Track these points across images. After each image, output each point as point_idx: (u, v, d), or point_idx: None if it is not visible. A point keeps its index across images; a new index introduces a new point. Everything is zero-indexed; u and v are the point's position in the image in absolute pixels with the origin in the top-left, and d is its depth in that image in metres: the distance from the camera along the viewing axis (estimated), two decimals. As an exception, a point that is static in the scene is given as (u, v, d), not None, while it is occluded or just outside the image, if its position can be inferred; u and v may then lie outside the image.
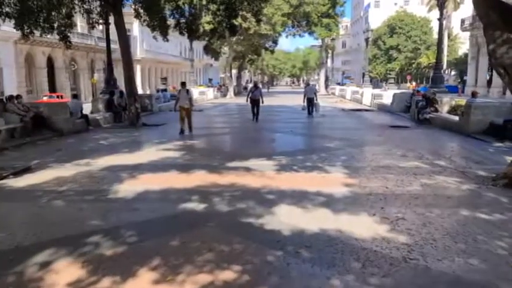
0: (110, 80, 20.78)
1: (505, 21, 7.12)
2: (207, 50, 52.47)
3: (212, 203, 6.06)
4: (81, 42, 45.49)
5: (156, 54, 64.14)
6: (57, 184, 7.17)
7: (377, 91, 29.29)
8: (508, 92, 38.31)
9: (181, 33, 18.94)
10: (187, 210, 5.74)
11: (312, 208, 5.81)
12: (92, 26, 18.96)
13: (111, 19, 17.58)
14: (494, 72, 41.90)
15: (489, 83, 43.93)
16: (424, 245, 4.52)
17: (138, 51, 59.06)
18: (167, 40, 18.90)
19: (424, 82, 73.05)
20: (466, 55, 59.41)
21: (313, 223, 5.15)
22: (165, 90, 29.83)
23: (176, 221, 5.35)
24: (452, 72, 67.15)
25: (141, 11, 17.70)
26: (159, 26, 17.93)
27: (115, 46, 52.39)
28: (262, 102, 18.44)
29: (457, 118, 14.32)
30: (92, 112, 19.16)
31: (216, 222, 5.27)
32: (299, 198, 6.25)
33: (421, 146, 11.26)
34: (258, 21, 23.76)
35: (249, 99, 18.57)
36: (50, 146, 11.51)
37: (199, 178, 7.49)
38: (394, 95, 22.46)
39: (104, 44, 50.14)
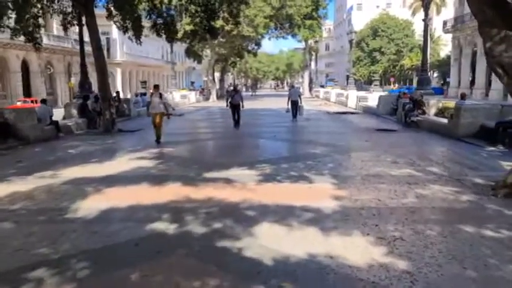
0: (85, 84, 19.84)
1: (502, 18, 6.56)
2: (189, 52, 51.62)
3: (184, 222, 5.31)
4: (58, 45, 44.24)
5: (137, 58, 62.91)
6: (9, 201, 6.33)
7: (362, 93, 28.86)
8: (491, 93, 38.53)
9: (158, 34, 18.13)
10: (155, 233, 4.97)
11: (297, 227, 5.11)
12: (65, 27, 18.01)
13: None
14: (477, 74, 42.14)
15: (472, 84, 44.09)
16: (428, 273, 3.86)
17: (118, 54, 57.89)
18: (140, 43, 17.99)
19: (408, 84, 73.60)
20: (448, 57, 59.79)
21: (300, 246, 4.45)
22: (145, 94, 28.85)
23: (140, 247, 4.57)
24: (435, 74, 67.56)
25: (114, 10, 16.83)
26: (133, 27, 17.07)
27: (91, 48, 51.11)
28: (243, 106, 17.08)
29: (445, 121, 13.83)
30: (64, 118, 18.21)
31: (187, 249, 4.52)
32: (283, 214, 5.55)
33: (411, 151, 10.69)
34: (237, 23, 22.94)
35: (228, 104, 17.31)
36: (12, 156, 10.59)
37: (172, 192, 6.73)
38: (380, 98, 22.00)
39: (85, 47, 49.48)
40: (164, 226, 5.17)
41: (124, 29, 17.34)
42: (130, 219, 5.49)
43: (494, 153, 10.07)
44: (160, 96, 12.74)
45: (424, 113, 16.31)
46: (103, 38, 57.27)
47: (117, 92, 21.40)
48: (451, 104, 18.08)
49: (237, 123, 16.63)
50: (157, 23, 17.67)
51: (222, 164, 9.00)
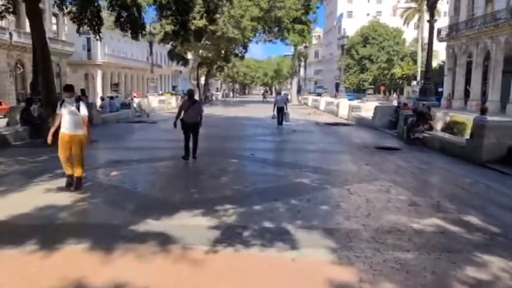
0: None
1: None
2: (172, 55, 48.91)
3: None
4: (29, 43, 40.98)
5: (120, 59, 60.07)
6: None
7: (355, 103, 26.43)
8: (488, 105, 36.44)
9: (123, 29, 15.39)
10: None
11: None
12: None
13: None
14: (472, 84, 40.15)
15: (466, 95, 42.16)
16: None
17: (99, 55, 55.00)
18: (100, 38, 15.24)
19: (398, 93, 71.78)
20: (440, 67, 58.02)
21: None
22: (113, 98, 26.01)
23: None
24: (426, 84, 65.80)
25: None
26: (90, 20, 14.33)
27: (69, 48, 48.01)
28: (200, 125, 10.28)
29: (462, 140, 11.34)
30: (8, 124, 15.37)
31: None
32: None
33: (428, 183, 8.17)
34: (212, 20, 20.31)
35: (179, 122, 10.13)
36: None
37: (62, 265, 4.05)
38: (376, 108, 19.52)
39: (56, 46, 46.34)
40: None
41: (78, 22, 14.58)
42: None
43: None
44: (79, 106, 6.91)
45: (431, 128, 13.85)
46: (83, 38, 55.02)
47: (83, 90, 18.45)
48: (461, 117, 15.75)
49: (192, 153, 10.07)
50: (122, 16, 14.94)
51: (169, 203, 6.32)
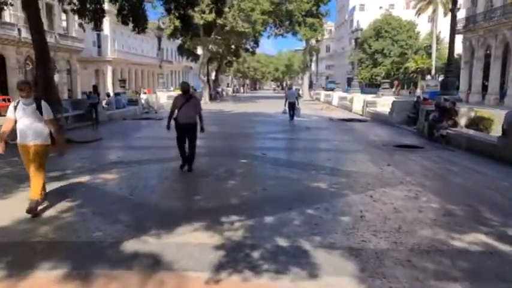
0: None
1: None
2: (181, 50, 48.22)
3: None
4: (39, 40, 40.57)
5: (130, 55, 59.75)
6: None
7: (370, 98, 25.39)
8: (507, 99, 35.14)
9: (124, 22, 14.64)
10: None
11: None
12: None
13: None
14: (490, 78, 38.74)
15: (484, 89, 40.78)
16: None
17: (109, 52, 54.66)
18: (100, 30, 14.55)
19: (411, 87, 70.18)
20: (456, 60, 56.47)
21: None
22: (119, 94, 25.27)
23: None
24: (440, 78, 64.19)
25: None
26: (92, 12, 13.60)
27: (79, 44, 47.51)
28: (202, 130, 8.48)
29: (493, 138, 10.36)
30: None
31: None
32: None
33: (462, 188, 7.22)
34: (219, 12, 19.48)
35: (173, 123, 8.45)
36: None
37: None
38: (394, 103, 18.53)
39: (66, 42, 45.98)
40: None
41: (80, 14, 13.86)
42: None
43: None
44: (39, 101, 5.50)
45: (455, 124, 12.86)
46: (93, 35, 54.73)
47: (95, 87, 17.74)
48: (487, 113, 14.71)
49: (187, 163, 8.32)
50: (124, 8, 14.19)
51: (168, 213, 5.53)
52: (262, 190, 6.78)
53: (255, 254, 4.21)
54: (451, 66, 16.14)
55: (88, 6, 13.56)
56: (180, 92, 8.68)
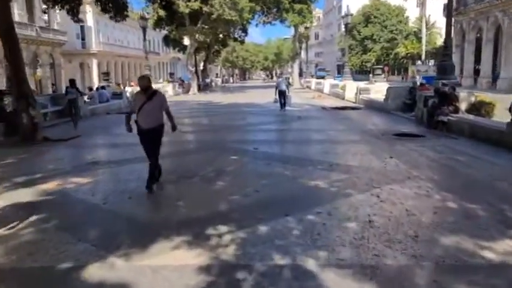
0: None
1: None
2: (167, 41, 46.98)
3: None
4: (19, 33, 38.97)
5: (116, 47, 58.28)
6: None
7: (363, 85, 24.65)
8: (499, 82, 34.64)
9: (104, 10, 13.65)
10: None
11: None
12: None
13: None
14: (482, 61, 38.22)
15: (475, 72, 40.33)
16: None
17: (94, 44, 53.16)
18: (78, 20, 13.52)
19: (402, 73, 69.67)
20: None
21: None
22: (103, 87, 24.21)
23: None
24: (430, 63, 63.67)
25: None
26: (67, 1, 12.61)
27: (62, 37, 46.06)
28: (174, 129, 6.66)
29: (501, 125, 9.66)
30: (-18, 121, 13.78)
31: None
32: None
33: (476, 182, 6.51)
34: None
35: (133, 126, 6.55)
36: None
37: None
38: (389, 90, 17.80)
39: (48, 35, 44.42)
40: None
41: (52, 2, 12.86)
42: None
43: None
44: None
45: (456, 110, 12.17)
46: (77, 27, 53.19)
47: (72, 81, 16.31)
48: (488, 97, 14.05)
49: (149, 178, 6.38)
50: (102, -5, 13.22)
51: (145, 225, 4.76)
52: (254, 192, 6.00)
53: (249, 279, 3.45)
54: (448, 50, 15.42)
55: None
56: (140, 89, 6.44)
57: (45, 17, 45.90)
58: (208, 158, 8.74)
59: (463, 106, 13.14)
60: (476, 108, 13.13)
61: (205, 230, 4.49)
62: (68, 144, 11.36)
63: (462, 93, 13.54)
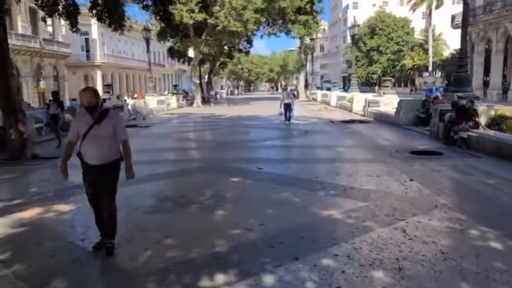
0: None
1: None
2: (172, 52, 46.51)
3: None
4: (22, 45, 38.83)
5: (120, 59, 58.14)
6: None
7: (371, 96, 23.83)
8: (510, 94, 33.73)
9: (100, 19, 12.98)
10: None
11: None
12: None
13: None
14: (492, 73, 37.36)
15: (485, 84, 39.46)
16: None
17: (98, 56, 53.09)
18: (77, 30, 12.81)
19: (409, 85, 68.87)
20: (453, 56, 55.16)
21: None
22: (104, 100, 23.44)
23: None
24: (438, 74, 62.84)
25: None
26: (66, 9, 11.93)
27: (66, 49, 45.75)
28: (130, 173, 4.47)
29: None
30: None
31: None
32: None
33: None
34: (204, 8, 17.82)
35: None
36: None
37: None
38: (401, 103, 16.94)
39: (52, 47, 44.12)
40: None
41: (49, 11, 12.18)
42: None
43: None
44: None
45: (477, 125, 11.29)
46: (81, 39, 53.01)
47: (54, 93, 15.29)
48: (507, 111, 13.17)
49: (104, 234, 4.61)
50: (98, 3, 12.53)
51: (123, 277, 3.92)
52: (258, 225, 5.14)
53: None
54: (463, 60, 14.62)
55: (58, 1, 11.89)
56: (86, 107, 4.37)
57: (50, 29, 45.71)
58: (207, 180, 7.89)
59: (482, 120, 12.29)
60: (497, 122, 12.28)
61: (198, 281, 3.64)
62: (56, 162, 10.55)
63: (481, 107, 12.71)
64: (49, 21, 45.38)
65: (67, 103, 41.73)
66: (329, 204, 6.05)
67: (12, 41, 36.20)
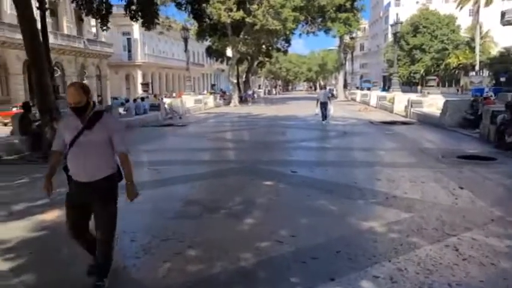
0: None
1: None
2: (210, 52, 46.65)
3: None
4: (67, 45, 40.03)
5: (160, 59, 59.23)
6: None
7: (414, 97, 22.77)
8: None
9: (133, 18, 12.88)
10: None
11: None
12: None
13: None
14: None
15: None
16: None
17: (139, 56, 54.27)
18: (107, 28, 12.79)
19: (454, 84, 66.07)
20: (501, 54, 52.32)
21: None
22: (142, 99, 23.55)
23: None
24: (485, 73, 59.83)
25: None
26: (97, 8, 11.91)
27: (108, 49, 46.81)
28: (131, 191, 3.45)
29: None
30: (12, 133, 13.32)
31: None
32: None
33: None
34: (242, 7, 17.50)
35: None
36: None
37: None
38: (447, 103, 15.97)
39: (95, 47, 45.32)
40: None
41: (87, 8, 12.20)
42: None
43: None
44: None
45: (534, 129, 10.33)
46: (123, 39, 54.26)
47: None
48: None
49: (96, 267, 3.58)
50: (132, 3, 12.44)
51: (146, 285, 3.57)
52: (290, 237, 4.68)
53: None
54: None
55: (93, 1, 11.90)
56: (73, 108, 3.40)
57: (94, 30, 46.92)
58: (239, 183, 7.50)
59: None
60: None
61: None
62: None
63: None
64: (93, 21, 46.76)
65: (109, 102, 42.88)
66: (369, 214, 5.50)
67: (57, 41, 37.43)
